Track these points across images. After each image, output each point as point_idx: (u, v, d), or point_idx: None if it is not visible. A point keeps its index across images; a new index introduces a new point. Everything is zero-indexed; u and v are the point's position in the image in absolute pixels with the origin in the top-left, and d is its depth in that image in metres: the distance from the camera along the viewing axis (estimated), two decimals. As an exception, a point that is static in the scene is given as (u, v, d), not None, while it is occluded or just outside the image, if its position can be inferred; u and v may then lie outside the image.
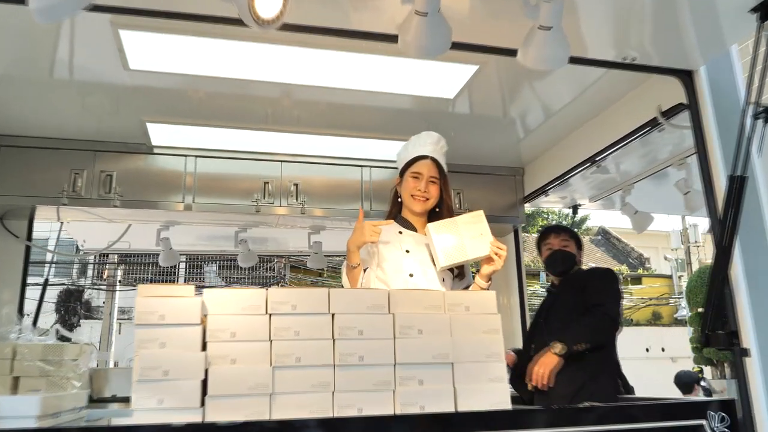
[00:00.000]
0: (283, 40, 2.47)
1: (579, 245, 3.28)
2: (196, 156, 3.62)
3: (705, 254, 22.52)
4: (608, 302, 2.93)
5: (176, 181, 3.57)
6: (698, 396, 7.18)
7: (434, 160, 2.60)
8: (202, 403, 1.75)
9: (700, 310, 13.56)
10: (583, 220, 31.67)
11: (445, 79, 2.87)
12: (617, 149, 3.27)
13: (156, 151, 3.57)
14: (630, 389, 3.08)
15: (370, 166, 3.87)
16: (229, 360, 1.81)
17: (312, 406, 1.82)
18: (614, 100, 3.18)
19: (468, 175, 3.96)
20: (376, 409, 1.85)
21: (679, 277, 22.98)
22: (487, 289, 2.46)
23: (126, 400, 3.01)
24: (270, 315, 1.86)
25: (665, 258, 26.07)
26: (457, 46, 2.09)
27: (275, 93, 3.03)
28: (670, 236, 23.99)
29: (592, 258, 26.35)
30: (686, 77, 2.51)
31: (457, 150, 3.77)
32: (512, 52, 2.10)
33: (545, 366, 2.78)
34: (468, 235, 2.42)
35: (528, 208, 4.37)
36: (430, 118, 3.37)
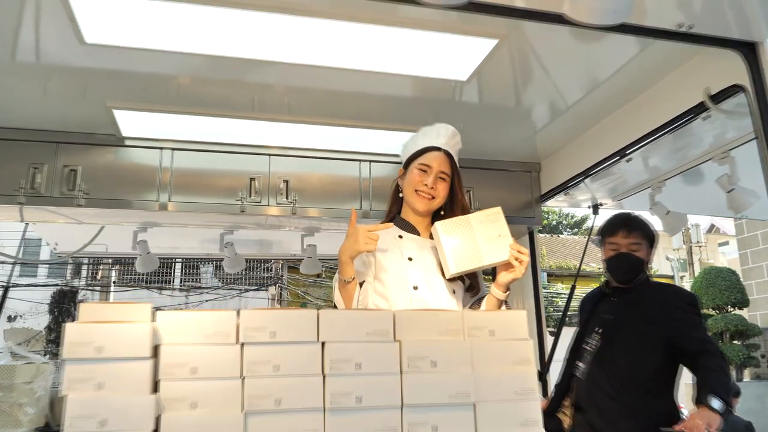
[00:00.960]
0: (270, 6, 2.06)
1: (651, 243, 2.72)
2: (173, 149, 3.20)
3: (707, 254, 22.33)
4: (712, 341, 2.53)
5: (150, 177, 3.15)
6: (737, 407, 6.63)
7: (447, 154, 2.18)
8: (152, 463, 1.34)
9: (703, 311, 13.38)
10: (584, 219, 31.42)
11: (457, 57, 2.45)
12: (651, 141, 2.86)
13: (127, 142, 3.15)
14: None
15: (370, 161, 3.45)
16: (188, 404, 1.40)
17: (296, 463, 1.41)
18: (651, 84, 2.78)
19: (478, 171, 3.57)
20: (378, 466, 1.45)
21: (681, 278, 22.78)
22: (506, 301, 2.05)
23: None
24: (242, 344, 1.45)
25: (667, 258, 25.86)
26: (477, 6, 1.68)
27: (262, 75, 2.62)
28: (671, 236, 23.79)
29: (594, 258, 26.16)
30: (748, 51, 2.10)
31: (466, 143, 3.40)
32: (548, 17, 1.70)
33: (712, 425, 2.24)
34: (483, 236, 2.00)
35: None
36: (437, 106, 2.97)
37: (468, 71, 2.55)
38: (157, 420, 1.36)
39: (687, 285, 20.63)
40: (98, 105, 2.81)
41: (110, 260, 15.21)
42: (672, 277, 23.84)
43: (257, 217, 3.34)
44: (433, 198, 2.15)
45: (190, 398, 1.40)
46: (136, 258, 3.97)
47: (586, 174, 3.29)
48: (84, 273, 16.98)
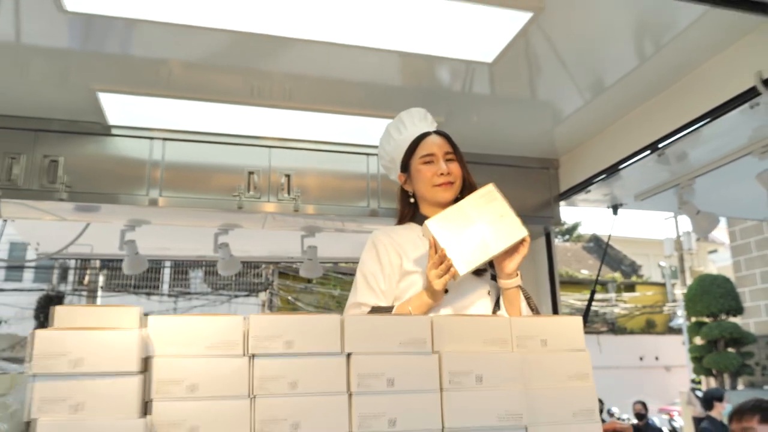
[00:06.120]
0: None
1: None
2: (165, 139, 2.92)
3: (698, 262, 22.24)
4: None
5: (139, 170, 2.87)
6: (723, 412, 6.23)
7: (441, 134, 1.96)
8: (140, 504, 1.08)
9: (698, 319, 13.20)
10: (575, 226, 31.26)
11: (484, 34, 2.21)
12: (691, 132, 2.62)
13: (114, 131, 2.88)
14: None
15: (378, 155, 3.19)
16: (186, 428, 1.14)
17: (317, 502, 1.16)
18: (691, 68, 2.55)
19: (491, 167, 3.29)
20: (416, 504, 1.19)
21: (673, 285, 22.69)
22: (520, 287, 1.80)
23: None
24: (252, 356, 1.19)
25: (659, 265, 25.77)
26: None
27: (262, 54, 2.36)
28: (663, 243, 23.71)
29: (585, 264, 26.09)
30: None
31: (478, 136, 3.17)
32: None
33: None
34: (484, 221, 1.72)
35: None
36: (450, 95, 2.73)
37: (494, 51, 2.30)
38: (147, 450, 1.10)
39: (678, 292, 20.57)
40: (81, 88, 2.54)
41: (97, 265, 14.93)
42: (663, 284, 23.78)
43: (256, 215, 3.07)
44: (453, 182, 1.91)
45: (188, 422, 1.14)
46: (123, 260, 3.68)
47: (612, 170, 3.05)
48: (71, 278, 16.69)
